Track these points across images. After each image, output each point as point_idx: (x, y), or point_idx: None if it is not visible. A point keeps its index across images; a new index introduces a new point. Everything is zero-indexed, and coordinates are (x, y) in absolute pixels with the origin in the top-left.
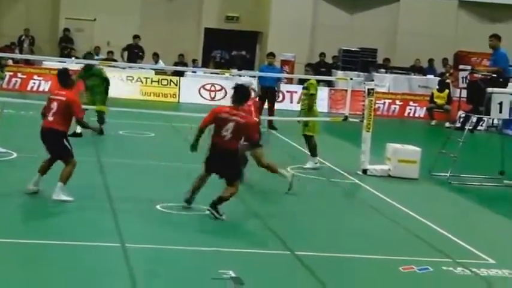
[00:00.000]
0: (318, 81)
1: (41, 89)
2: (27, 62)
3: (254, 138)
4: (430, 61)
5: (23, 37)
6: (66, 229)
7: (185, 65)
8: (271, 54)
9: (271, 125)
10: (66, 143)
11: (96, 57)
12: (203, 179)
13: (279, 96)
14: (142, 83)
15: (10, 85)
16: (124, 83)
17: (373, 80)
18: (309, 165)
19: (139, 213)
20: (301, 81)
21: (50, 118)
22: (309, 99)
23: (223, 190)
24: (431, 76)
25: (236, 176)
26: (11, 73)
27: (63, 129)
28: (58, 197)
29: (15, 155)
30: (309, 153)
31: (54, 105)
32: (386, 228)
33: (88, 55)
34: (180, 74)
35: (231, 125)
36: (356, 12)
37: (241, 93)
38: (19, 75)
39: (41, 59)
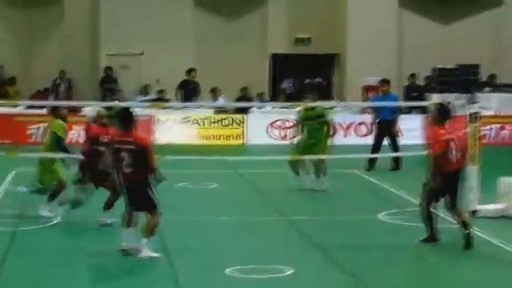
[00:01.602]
0: (410, 108)
1: (81, 140)
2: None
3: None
4: None
5: (58, 80)
6: None
7: (250, 99)
8: (385, 82)
9: (396, 165)
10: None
11: (143, 97)
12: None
13: (397, 131)
14: (199, 124)
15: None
16: (179, 126)
17: (476, 102)
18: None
19: (207, 282)
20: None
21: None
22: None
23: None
24: None
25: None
26: (46, 124)
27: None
28: (146, 254)
29: (55, 220)
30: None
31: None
32: (506, 281)
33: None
34: (245, 111)
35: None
36: (450, 22)
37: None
38: None
39: (80, 105)
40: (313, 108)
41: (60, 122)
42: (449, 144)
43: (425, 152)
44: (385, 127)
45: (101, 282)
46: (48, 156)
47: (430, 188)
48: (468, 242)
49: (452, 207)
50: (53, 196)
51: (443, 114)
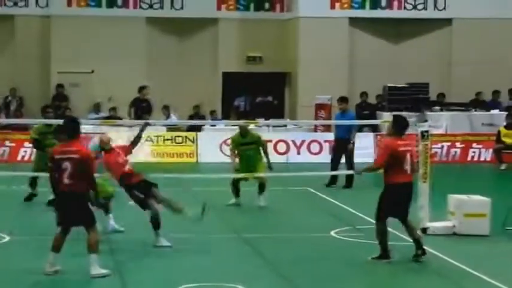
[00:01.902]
0: (362, 126)
1: (33, 157)
2: (16, 128)
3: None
4: (495, 93)
5: (9, 98)
6: None
7: (202, 117)
8: (342, 100)
9: (348, 183)
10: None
11: (96, 115)
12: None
13: (352, 148)
14: (153, 142)
15: None
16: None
17: (426, 121)
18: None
19: None
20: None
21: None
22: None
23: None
24: (497, 111)
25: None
26: None
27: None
28: (96, 271)
29: (6, 238)
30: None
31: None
32: None
33: None
34: (197, 128)
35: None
36: (400, 41)
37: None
38: (7, 143)
39: (30, 123)
40: (245, 135)
41: None
42: (406, 155)
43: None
44: (341, 145)
45: None
46: None
47: (383, 200)
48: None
49: (404, 222)
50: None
51: (399, 125)
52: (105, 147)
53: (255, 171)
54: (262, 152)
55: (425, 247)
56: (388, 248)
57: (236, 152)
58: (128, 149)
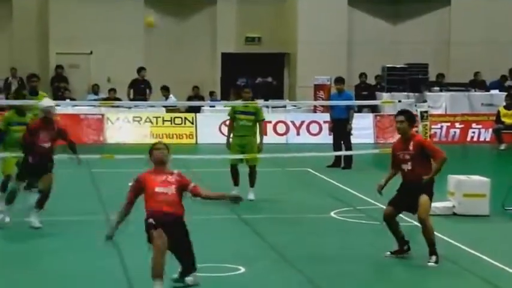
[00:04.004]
0: (361, 107)
1: None
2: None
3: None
4: (494, 73)
5: (10, 79)
6: None
7: (201, 98)
8: (339, 80)
9: (347, 163)
10: None
11: (95, 96)
12: None
13: (351, 129)
14: (152, 123)
15: None
16: (131, 125)
17: (426, 101)
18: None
19: None
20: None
21: None
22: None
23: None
24: (496, 91)
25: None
26: None
27: None
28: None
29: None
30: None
31: None
32: (458, 278)
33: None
34: (196, 109)
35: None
36: (399, 21)
37: None
38: None
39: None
40: (247, 105)
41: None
42: None
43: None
44: (339, 126)
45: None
46: None
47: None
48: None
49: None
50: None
51: (412, 120)
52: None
53: (246, 150)
54: (257, 128)
55: None
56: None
57: (232, 122)
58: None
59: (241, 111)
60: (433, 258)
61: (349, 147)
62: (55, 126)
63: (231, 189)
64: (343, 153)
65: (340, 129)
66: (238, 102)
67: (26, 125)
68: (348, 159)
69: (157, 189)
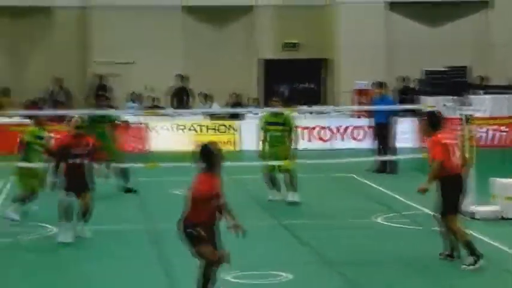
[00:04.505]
0: (404, 111)
1: None
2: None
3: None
4: None
5: (54, 89)
6: None
7: (242, 105)
8: (378, 84)
9: (389, 167)
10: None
11: (134, 104)
12: None
13: (394, 133)
14: (196, 131)
15: None
16: (174, 133)
17: (470, 104)
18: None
19: None
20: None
21: None
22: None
23: None
24: None
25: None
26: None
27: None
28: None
29: (55, 229)
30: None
31: None
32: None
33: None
34: (238, 116)
35: None
36: (438, 24)
37: None
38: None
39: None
40: (277, 115)
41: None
42: (450, 148)
43: (420, 156)
44: (381, 130)
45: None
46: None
47: (445, 196)
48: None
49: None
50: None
51: (434, 123)
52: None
53: (278, 157)
54: (291, 136)
55: (472, 232)
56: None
57: (263, 133)
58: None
59: (270, 122)
60: (469, 259)
61: (393, 152)
62: (88, 142)
63: (268, 193)
64: (387, 158)
65: (384, 133)
66: (268, 109)
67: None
68: (393, 164)
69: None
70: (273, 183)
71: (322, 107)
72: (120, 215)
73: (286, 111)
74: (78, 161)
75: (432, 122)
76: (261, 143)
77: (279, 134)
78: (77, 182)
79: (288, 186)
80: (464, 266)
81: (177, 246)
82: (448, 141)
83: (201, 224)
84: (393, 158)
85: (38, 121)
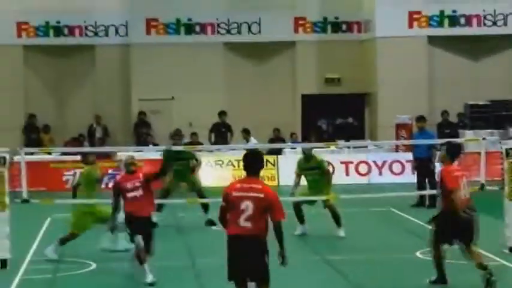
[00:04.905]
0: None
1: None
2: (100, 156)
3: None
4: None
5: (94, 126)
6: None
7: (282, 140)
8: (420, 119)
9: (429, 202)
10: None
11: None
12: None
13: (434, 167)
14: (234, 166)
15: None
16: (213, 169)
17: (511, 138)
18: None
19: None
20: (411, 148)
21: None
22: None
23: None
24: None
25: None
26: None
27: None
28: None
29: (94, 265)
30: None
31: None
32: None
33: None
34: (278, 152)
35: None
36: (480, 58)
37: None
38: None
39: (113, 150)
40: (310, 160)
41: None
42: (460, 181)
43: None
44: (422, 164)
45: None
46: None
47: (438, 228)
48: (489, 283)
49: (467, 247)
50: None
51: (452, 152)
52: (129, 168)
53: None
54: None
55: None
56: (444, 272)
57: (301, 176)
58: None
59: (303, 168)
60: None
61: (434, 185)
62: (138, 175)
63: (296, 228)
64: (427, 192)
65: (424, 168)
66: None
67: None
68: (433, 198)
69: None
70: (300, 216)
71: (359, 142)
72: (161, 251)
73: (317, 156)
74: (133, 194)
75: (451, 152)
76: (294, 186)
77: (317, 178)
78: (139, 222)
79: (336, 222)
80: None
81: (218, 281)
82: (457, 173)
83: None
84: (432, 192)
85: (88, 160)
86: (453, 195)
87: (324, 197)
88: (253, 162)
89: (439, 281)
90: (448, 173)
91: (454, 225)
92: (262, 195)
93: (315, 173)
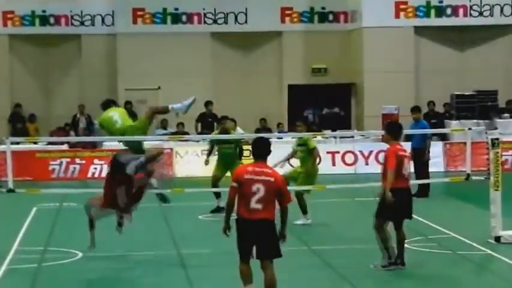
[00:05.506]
0: (431, 135)
1: (103, 174)
2: (85, 146)
3: None
4: None
5: (78, 116)
6: None
7: (269, 130)
8: (415, 109)
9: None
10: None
11: (164, 131)
12: None
13: (428, 158)
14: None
15: (68, 173)
16: (199, 159)
17: (496, 128)
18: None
19: None
20: (407, 138)
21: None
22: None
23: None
24: None
25: None
26: (68, 159)
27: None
28: None
29: (80, 254)
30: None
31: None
32: None
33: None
34: None
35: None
36: (467, 48)
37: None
38: (77, 160)
39: (101, 140)
40: (301, 138)
41: None
42: (403, 160)
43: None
44: (418, 154)
45: None
46: None
47: (384, 204)
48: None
49: (400, 226)
50: None
51: (392, 131)
52: None
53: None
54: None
55: (499, 256)
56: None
57: (295, 153)
58: None
59: (296, 144)
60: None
61: (426, 175)
62: None
63: (299, 217)
64: (417, 181)
65: (420, 158)
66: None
67: None
68: (424, 188)
69: None
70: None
71: (346, 132)
72: (146, 241)
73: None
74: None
75: (391, 131)
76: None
77: (303, 155)
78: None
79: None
80: (373, 265)
81: (203, 270)
82: (402, 153)
83: None
84: (423, 181)
85: None
86: (389, 174)
87: (310, 187)
88: (263, 148)
89: (393, 264)
90: (393, 152)
91: (392, 203)
92: (273, 179)
93: (303, 149)
